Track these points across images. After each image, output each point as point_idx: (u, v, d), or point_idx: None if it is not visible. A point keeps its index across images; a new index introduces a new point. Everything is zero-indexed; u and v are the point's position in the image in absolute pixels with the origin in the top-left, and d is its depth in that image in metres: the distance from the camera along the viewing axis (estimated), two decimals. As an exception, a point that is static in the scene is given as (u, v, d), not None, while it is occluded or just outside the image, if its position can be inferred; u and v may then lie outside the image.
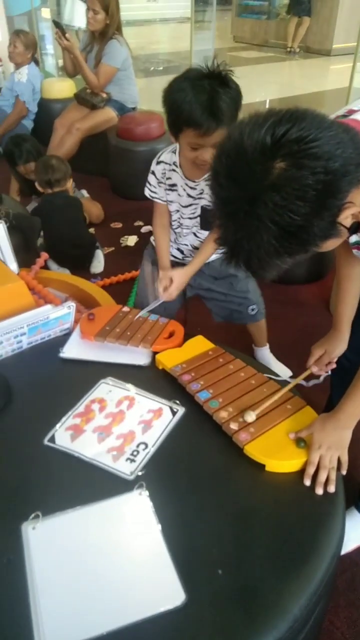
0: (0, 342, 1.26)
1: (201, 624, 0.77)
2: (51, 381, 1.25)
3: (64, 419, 1.11)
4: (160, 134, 3.54)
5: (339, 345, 1.32)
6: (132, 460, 1.01)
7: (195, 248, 1.70)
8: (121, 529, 0.89)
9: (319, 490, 0.97)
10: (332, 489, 0.97)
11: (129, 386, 1.20)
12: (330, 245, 0.86)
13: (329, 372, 1.36)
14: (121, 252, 2.95)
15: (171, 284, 1.55)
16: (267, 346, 2.11)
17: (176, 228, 1.69)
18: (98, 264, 2.64)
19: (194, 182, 1.53)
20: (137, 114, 3.66)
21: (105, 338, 1.32)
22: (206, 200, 1.54)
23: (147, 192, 1.65)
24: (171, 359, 1.26)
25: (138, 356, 1.30)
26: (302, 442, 1.03)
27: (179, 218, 1.65)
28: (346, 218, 0.81)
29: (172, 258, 1.74)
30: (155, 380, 1.24)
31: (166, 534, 0.88)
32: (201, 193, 1.54)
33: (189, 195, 1.56)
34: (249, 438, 1.04)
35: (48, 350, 1.33)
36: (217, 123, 1.29)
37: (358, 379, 1.04)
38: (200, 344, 1.32)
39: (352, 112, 0.95)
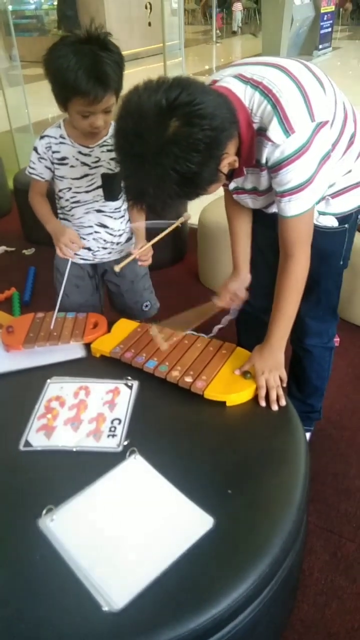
0: None
1: (230, 538, 0.88)
2: (-4, 397, 1.24)
3: (29, 423, 1.12)
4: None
5: (243, 281, 1.45)
6: (114, 435, 1.07)
7: (102, 226, 1.57)
8: (131, 490, 0.96)
9: (274, 407, 1.14)
10: (283, 402, 1.15)
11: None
12: (213, 189, 1.05)
13: (235, 312, 1.51)
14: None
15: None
16: None
17: (71, 210, 1.55)
18: None
19: (88, 147, 1.45)
20: None
21: (35, 343, 1.34)
22: (105, 167, 1.47)
23: (27, 170, 1.55)
24: (106, 344, 1.33)
25: (71, 352, 1.34)
26: (248, 374, 1.19)
27: (73, 195, 1.52)
28: (224, 166, 1.02)
29: (83, 261, 1.63)
30: (97, 367, 1.29)
31: (171, 480, 0.97)
32: (97, 161, 1.47)
33: (84, 164, 1.47)
34: (204, 385, 1.17)
35: (-23, 372, 1.30)
36: (104, 89, 1.26)
37: (276, 308, 1.23)
38: (126, 326, 1.40)
39: (215, 82, 1.12)
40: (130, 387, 1.21)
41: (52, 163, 1.49)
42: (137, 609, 0.78)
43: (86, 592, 0.81)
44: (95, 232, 1.59)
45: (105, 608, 0.78)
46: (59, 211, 1.60)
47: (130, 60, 9.17)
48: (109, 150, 1.45)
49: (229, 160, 1.03)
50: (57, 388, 1.21)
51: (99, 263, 1.67)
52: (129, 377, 1.23)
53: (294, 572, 1.01)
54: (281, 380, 1.19)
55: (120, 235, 1.62)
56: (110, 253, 1.64)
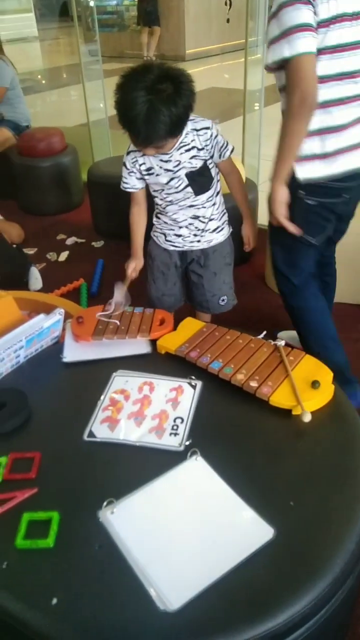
0: (1, 359, 1.25)
1: (290, 552, 0.86)
2: (64, 385, 1.27)
3: (94, 414, 1.14)
4: (63, 147, 3.55)
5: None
6: (176, 434, 1.07)
7: (195, 217, 1.67)
8: (191, 491, 0.96)
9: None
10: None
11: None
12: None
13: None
14: (53, 266, 2.93)
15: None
16: None
17: (165, 208, 1.67)
18: (35, 281, 2.61)
19: (167, 154, 1.52)
20: (36, 131, 3.63)
21: (103, 336, 1.36)
22: (187, 167, 1.55)
23: (121, 186, 1.66)
24: (172, 342, 1.33)
25: (137, 347, 1.35)
26: (317, 384, 1.15)
27: (166, 196, 1.63)
28: None
29: (173, 247, 1.75)
30: (162, 364, 1.30)
31: (231, 485, 0.96)
32: (177, 164, 1.54)
33: (167, 170, 1.55)
34: (270, 390, 1.14)
35: (47, 360, 1.34)
36: (151, 142, 1.40)
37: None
38: (192, 325, 1.40)
39: None
40: (194, 387, 1.20)
41: (141, 174, 1.60)
42: (192, 613, 0.78)
43: (142, 588, 0.81)
44: (189, 223, 1.69)
45: (161, 607, 0.78)
46: (155, 207, 1.73)
47: (206, 57, 9.17)
48: (186, 150, 1.53)
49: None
50: (122, 381, 1.23)
51: (187, 251, 1.76)
52: (193, 377, 1.23)
53: (354, 594, 0.97)
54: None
55: (209, 221, 1.70)
56: (199, 241, 1.73)
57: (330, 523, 0.90)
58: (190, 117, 1.46)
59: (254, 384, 1.16)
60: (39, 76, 8.98)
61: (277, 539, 0.87)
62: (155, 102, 1.30)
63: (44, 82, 8.62)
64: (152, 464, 1.01)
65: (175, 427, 1.09)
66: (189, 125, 1.50)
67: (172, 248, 1.76)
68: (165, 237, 1.75)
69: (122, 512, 0.92)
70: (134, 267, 1.71)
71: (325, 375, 1.19)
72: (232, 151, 1.61)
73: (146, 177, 1.60)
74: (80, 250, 3.13)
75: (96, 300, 2.51)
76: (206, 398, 1.18)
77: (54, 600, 0.80)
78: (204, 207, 1.66)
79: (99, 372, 1.27)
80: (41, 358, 1.35)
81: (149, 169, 1.58)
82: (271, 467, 1.01)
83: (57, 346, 1.38)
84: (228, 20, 9.58)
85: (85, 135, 4.05)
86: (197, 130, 1.52)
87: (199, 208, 1.66)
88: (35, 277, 2.63)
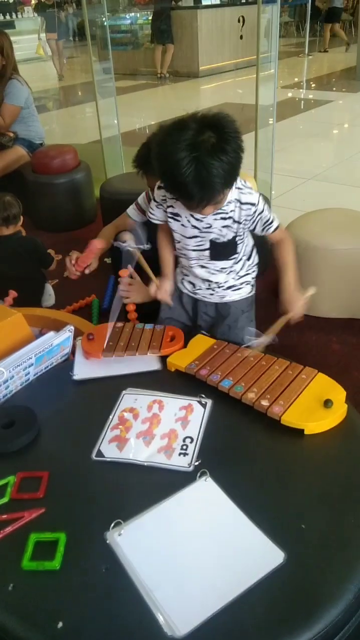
0: (11, 376, 1.26)
1: (301, 577, 0.84)
2: (73, 403, 1.27)
3: (103, 433, 1.13)
4: (76, 164, 3.58)
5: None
6: (185, 454, 1.06)
7: (207, 280, 1.57)
8: (200, 513, 0.94)
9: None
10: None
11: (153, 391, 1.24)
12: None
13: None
14: (65, 282, 2.95)
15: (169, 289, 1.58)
16: None
17: (180, 257, 1.58)
18: (49, 297, 2.62)
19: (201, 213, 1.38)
20: (49, 149, 3.68)
21: (113, 353, 1.36)
22: (215, 234, 1.43)
23: (148, 216, 1.56)
24: (182, 359, 1.32)
25: (147, 363, 1.35)
26: (330, 403, 1.13)
27: (182, 248, 1.52)
28: None
29: (186, 290, 1.66)
30: (172, 381, 1.29)
31: (241, 507, 0.94)
32: (208, 227, 1.42)
33: (194, 227, 1.43)
34: (282, 410, 1.13)
35: (56, 377, 1.34)
36: (208, 202, 1.25)
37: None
38: (202, 342, 1.39)
39: None
40: (204, 405, 1.19)
41: (166, 213, 1.47)
42: (200, 639, 0.76)
43: (148, 612, 0.80)
44: (200, 281, 1.59)
45: (169, 633, 0.76)
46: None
47: (219, 73, 9.23)
48: (222, 219, 1.40)
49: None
50: (131, 399, 1.22)
51: (200, 300, 1.65)
52: (203, 395, 1.22)
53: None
54: None
55: (224, 283, 1.58)
56: (212, 294, 1.62)
57: (343, 547, 0.88)
58: (239, 185, 1.37)
59: (265, 402, 1.15)
60: (54, 94, 9.13)
61: (288, 564, 0.85)
62: (201, 157, 1.15)
63: (58, 100, 8.76)
64: (161, 484, 1.00)
65: (184, 447, 1.08)
66: (234, 194, 1.37)
67: (184, 291, 1.66)
68: (182, 277, 1.65)
69: (130, 534, 0.90)
70: (158, 289, 1.54)
71: (338, 393, 1.17)
72: (276, 228, 1.45)
73: (170, 219, 1.47)
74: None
75: (107, 316, 2.52)
76: (216, 417, 1.17)
77: (60, 624, 0.79)
78: (216, 273, 1.55)
79: (108, 389, 1.27)
80: (51, 375, 1.35)
81: (175, 215, 1.45)
82: (282, 488, 0.99)
83: (67, 363, 1.38)
84: (241, 37, 9.69)
85: (98, 152, 4.09)
86: (241, 202, 1.38)
87: (212, 272, 1.55)
88: (49, 294, 2.64)
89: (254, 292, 1.70)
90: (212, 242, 1.45)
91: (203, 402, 1.20)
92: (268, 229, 1.45)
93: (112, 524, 0.92)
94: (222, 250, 1.48)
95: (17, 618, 0.81)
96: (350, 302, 2.41)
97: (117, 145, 4.10)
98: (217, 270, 1.54)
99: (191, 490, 0.98)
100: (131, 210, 1.94)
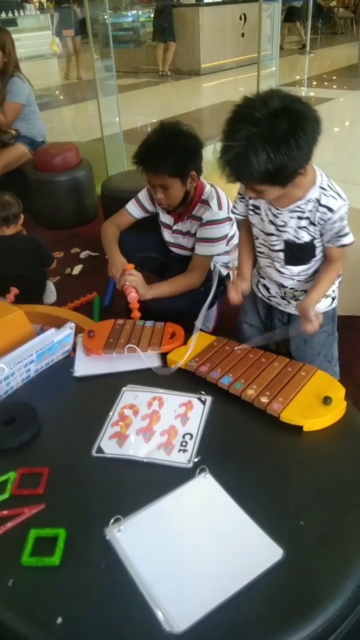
0: (12, 373, 1.26)
1: (299, 573, 0.84)
2: (73, 400, 1.27)
3: (103, 429, 1.13)
4: (78, 162, 3.58)
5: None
6: (184, 450, 1.06)
7: (282, 286, 1.48)
8: (199, 510, 0.94)
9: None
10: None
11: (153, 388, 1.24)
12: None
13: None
14: (67, 279, 2.96)
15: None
16: None
17: (258, 256, 1.51)
18: (51, 294, 2.63)
19: (277, 209, 1.32)
20: (51, 146, 3.68)
21: (114, 350, 1.36)
22: (290, 234, 1.34)
23: (231, 210, 1.52)
24: (182, 356, 1.32)
25: (147, 360, 1.35)
26: (329, 400, 1.13)
27: (260, 245, 1.46)
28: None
29: (260, 294, 1.59)
30: (172, 378, 1.29)
31: (240, 504, 0.94)
32: (284, 225, 1.34)
33: (272, 222, 1.36)
34: (281, 407, 1.13)
35: (57, 374, 1.34)
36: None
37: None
38: (202, 339, 1.39)
39: None
40: (204, 402, 1.19)
41: (247, 207, 1.43)
42: (199, 635, 0.76)
43: (147, 607, 0.80)
44: (275, 287, 1.52)
45: (168, 629, 0.76)
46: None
47: (221, 70, 9.18)
48: (298, 218, 1.31)
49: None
50: (131, 396, 1.22)
51: (274, 307, 1.57)
52: (203, 392, 1.22)
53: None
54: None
55: (300, 291, 1.47)
56: (287, 304, 1.53)
57: (342, 543, 0.88)
58: (324, 186, 1.27)
59: (264, 399, 1.15)
60: (56, 92, 9.12)
61: (286, 561, 0.85)
62: (255, 138, 1.06)
63: (60, 97, 8.74)
64: (160, 480, 1.00)
65: (184, 444, 1.08)
66: (315, 193, 1.26)
67: (259, 294, 1.59)
68: (258, 279, 1.57)
69: (129, 530, 0.91)
70: (232, 286, 1.46)
71: (337, 391, 1.17)
72: (346, 245, 1.31)
73: (251, 212, 1.42)
74: (94, 263, 3.14)
75: (108, 314, 2.52)
76: (216, 414, 1.17)
77: (59, 620, 0.79)
78: (292, 280, 1.45)
79: (108, 386, 1.27)
80: (51, 372, 1.35)
81: (256, 207, 1.39)
82: (281, 485, 0.99)
83: (68, 360, 1.39)
84: (243, 35, 9.65)
85: (99, 149, 4.09)
86: (320, 204, 1.27)
87: (286, 278, 1.45)
88: (51, 291, 2.64)
89: (335, 304, 1.54)
90: (286, 242, 1.37)
91: (203, 399, 1.20)
92: (336, 241, 1.30)
93: (112, 520, 0.92)
94: (297, 253, 1.37)
95: (17, 613, 0.82)
96: (350, 299, 2.40)
97: (118, 143, 4.10)
98: (292, 276, 1.44)
99: (190, 486, 0.98)
100: (130, 205, 1.94)
